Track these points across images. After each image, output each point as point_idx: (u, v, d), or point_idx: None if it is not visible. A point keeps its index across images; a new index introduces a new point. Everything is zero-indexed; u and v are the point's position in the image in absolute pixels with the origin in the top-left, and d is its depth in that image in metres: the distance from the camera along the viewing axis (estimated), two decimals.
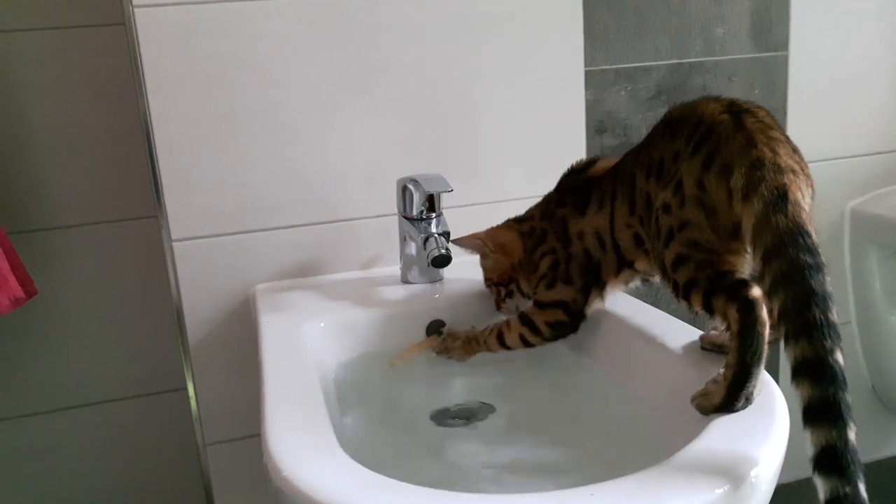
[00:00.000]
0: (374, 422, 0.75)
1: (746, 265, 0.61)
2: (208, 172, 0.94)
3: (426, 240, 0.88)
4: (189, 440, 1.14)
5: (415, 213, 0.90)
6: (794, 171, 0.57)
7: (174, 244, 0.94)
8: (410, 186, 0.90)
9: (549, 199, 0.84)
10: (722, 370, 0.59)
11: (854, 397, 1.48)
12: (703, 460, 0.51)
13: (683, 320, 0.76)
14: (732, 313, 0.58)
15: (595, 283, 0.78)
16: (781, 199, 0.55)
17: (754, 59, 1.13)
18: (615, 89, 1.07)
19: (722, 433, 0.54)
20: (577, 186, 0.80)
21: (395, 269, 0.98)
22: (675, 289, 0.64)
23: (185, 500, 1.25)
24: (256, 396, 0.67)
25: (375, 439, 0.71)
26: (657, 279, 0.71)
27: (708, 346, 0.69)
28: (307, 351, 0.77)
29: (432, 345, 0.85)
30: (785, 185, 0.56)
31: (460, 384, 0.82)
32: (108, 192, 1.12)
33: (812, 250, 0.52)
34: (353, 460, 0.53)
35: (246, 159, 0.95)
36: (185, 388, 1.01)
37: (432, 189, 0.88)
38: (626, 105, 1.09)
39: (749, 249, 0.57)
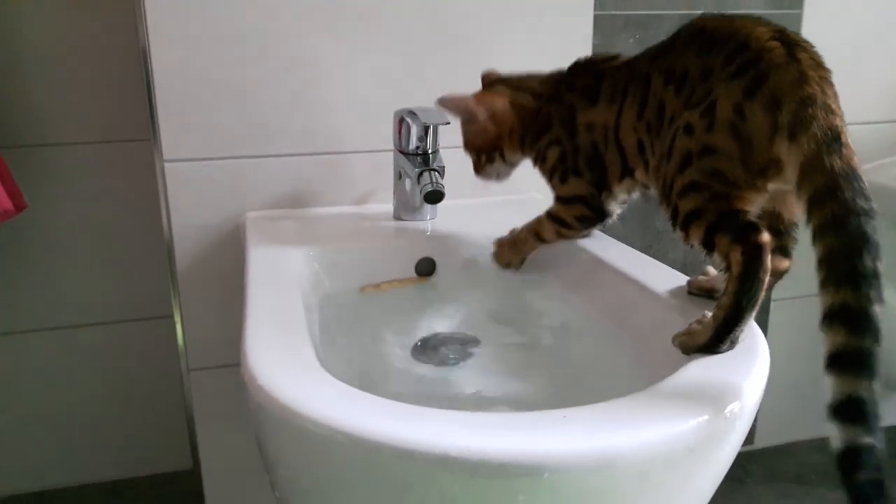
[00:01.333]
0: (354, 352, 0.75)
1: (759, 205, 0.59)
2: (204, 95, 0.92)
3: (420, 174, 0.87)
4: (173, 367, 1.14)
5: (411, 147, 0.89)
6: (841, 117, 0.55)
7: (165, 164, 0.92)
8: (408, 119, 0.88)
9: (558, 80, 0.79)
10: (708, 312, 0.59)
11: None
12: (681, 392, 0.51)
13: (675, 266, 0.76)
14: (736, 256, 0.56)
15: (602, 185, 0.75)
16: (836, 140, 0.52)
17: (767, 16, 1.10)
18: (624, 36, 1.05)
19: (703, 368, 0.54)
20: (590, 73, 0.76)
21: (389, 206, 0.97)
22: (675, 215, 0.62)
23: (167, 425, 1.26)
24: (241, 324, 0.66)
25: (354, 369, 0.71)
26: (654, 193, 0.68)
27: (696, 291, 0.69)
28: (293, 279, 0.76)
29: (411, 284, 0.85)
30: (837, 127, 0.53)
31: (446, 316, 0.81)
32: (104, 113, 1.11)
33: (867, 196, 0.50)
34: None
35: (243, 84, 0.93)
36: (172, 316, 1.01)
37: (429, 121, 0.86)
38: (634, 53, 1.06)
39: (793, 189, 0.54)
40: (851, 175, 0.51)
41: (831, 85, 0.57)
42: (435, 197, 0.85)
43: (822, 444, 1.46)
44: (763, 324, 1.27)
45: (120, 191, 1.14)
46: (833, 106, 0.55)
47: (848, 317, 0.48)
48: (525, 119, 0.79)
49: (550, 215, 0.79)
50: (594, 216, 0.77)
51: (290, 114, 0.95)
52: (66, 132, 1.10)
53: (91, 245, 1.16)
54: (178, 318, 1.00)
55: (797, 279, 1.25)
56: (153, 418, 1.26)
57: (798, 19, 1.13)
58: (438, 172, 0.87)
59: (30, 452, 1.22)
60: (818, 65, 0.58)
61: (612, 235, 0.87)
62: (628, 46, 1.06)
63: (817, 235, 0.51)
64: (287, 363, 0.55)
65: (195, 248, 0.97)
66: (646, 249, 1.16)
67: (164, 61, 0.90)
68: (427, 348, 0.73)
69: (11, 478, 1.23)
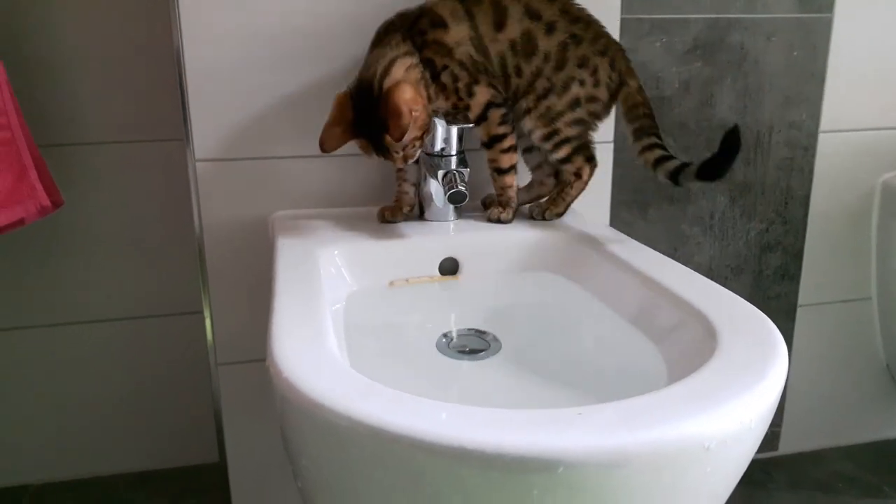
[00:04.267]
0: (378, 346, 0.76)
1: None
2: (236, 96, 0.94)
3: (445, 175, 0.88)
4: (202, 362, 1.16)
5: (436, 149, 0.90)
6: None
7: (197, 164, 0.95)
8: (433, 121, 0.89)
9: (395, 42, 0.86)
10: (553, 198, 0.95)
11: (867, 376, 1.48)
12: (697, 392, 0.51)
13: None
14: (587, 169, 0.93)
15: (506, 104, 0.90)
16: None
17: (796, 20, 1.10)
18: (650, 40, 1.05)
19: (720, 369, 0.55)
20: (408, 19, 0.88)
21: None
22: (552, 135, 0.90)
23: (195, 418, 1.28)
24: (268, 319, 0.68)
25: (378, 362, 0.72)
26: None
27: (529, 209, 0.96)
28: (319, 276, 0.78)
29: (437, 281, 0.87)
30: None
31: (469, 314, 0.82)
32: (139, 113, 1.14)
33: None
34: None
35: (274, 84, 0.95)
36: (202, 312, 1.04)
37: (454, 124, 0.87)
38: (660, 57, 1.07)
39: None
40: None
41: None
42: (458, 198, 0.86)
43: (848, 451, 1.46)
44: (789, 330, 1.27)
45: (153, 189, 1.17)
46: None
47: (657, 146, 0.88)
48: (420, 81, 0.85)
49: (487, 144, 0.91)
50: (508, 109, 0.90)
51: (319, 115, 0.97)
52: (102, 131, 1.13)
53: (124, 242, 1.19)
54: (207, 314, 1.02)
55: (823, 285, 1.25)
56: (182, 411, 1.28)
57: (829, 23, 1.12)
58: (462, 174, 0.88)
59: (63, 442, 1.26)
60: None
61: (637, 238, 0.88)
62: (654, 50, 1.06)
63: (638, 132, 0.90)
64: (311, 357, 0.56)
65: (225, 245, 0.99)
66: (672, 253, 1.17)
67: (197, 62, 0.92)
68: (449, 344, 0.74)
69: (45, 466, 1.26)
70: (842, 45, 1.14)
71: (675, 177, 0.85)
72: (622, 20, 1.03)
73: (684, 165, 0.84)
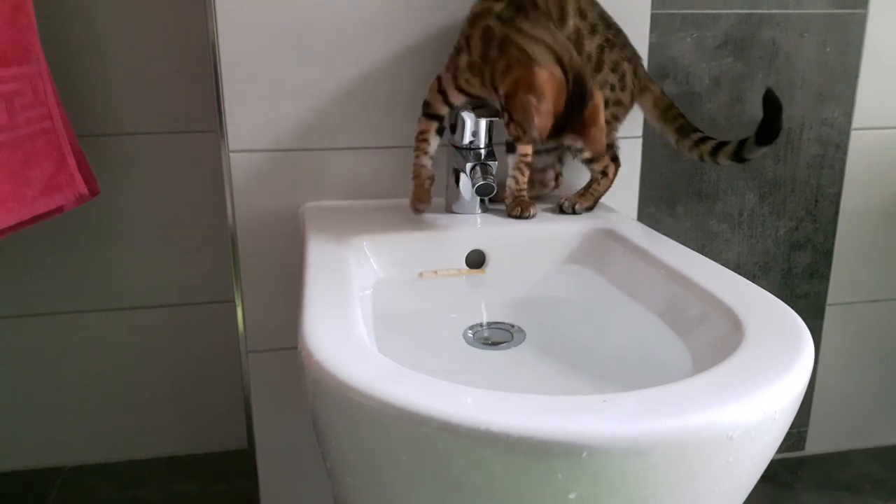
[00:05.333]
0: (405, 336, 0.77)
1: None
2: (270, 88, 0.96)
3: (472, 168, 0.89)
4: (233, 349, 1.19)
5: (464, 142, 0.91)
6: None
7: (231, 155, 0.97)
8: (462, 115, 0.90)
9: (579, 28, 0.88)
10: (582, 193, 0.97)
11: (891, 378, 1.45)
12: (721, 382, 0.52)
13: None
14: (612, 168, 0.97)
15: None
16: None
17: (830, 16, 1.09)
18: (681, 35, 1.05)
19: (745, 361, 0.55)
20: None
21: (441, 199, 1.00)
22: None
23: (225, 404, 1.31)
24: (299, 306, 0.69)
25: (405, 348, 0.73)
26: None
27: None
28: (349, 266, 0.79)
29: (464, 274, 0.88)
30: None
31: (495, 305, 0.83)
32: (175, 105, 1.16)
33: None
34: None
35: (306, 78, 0.96)
36: (233, 300, 1.06)
37: (483, 117, 0.88)
38: (690, 52, 1.07)
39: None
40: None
41: None
42: (486, 190, 0.87)
43: (876, 453, 1.44)
44: (817, 329, 1.26)
45: (187, 179, 1.20)
46: None
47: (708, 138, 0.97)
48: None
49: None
50: None
51: (350, 108, 0.98)
52: (138, 122, 1.16)
53: (159, 231, 1.22)
54: (238, 303, 1.04)
55: (852, 284, 1.24)
56: (212, 398, 1.31)
57: (863, 19, 1.11)
58: (490, 167, 0.89)
59: (96, 426, 1.29)
60: None
61: (665, 234, 0.88)
62: (685, 45, 1.06)
63: (682, 130, 0.98)
64: (341, 341, 0.58)
65: (257, 235, 1.01)
66: (700, 249, 1.16)
67: (232, 55, 0.94)
68: (476, 336, 0.75)
69: (78, 449, 1.30)
70: (876, 42, 1.12)
71: (738, 155, 0.93)
72: (653, 15, 1.03)
73: (741, 142, 0.93)
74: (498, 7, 0.83)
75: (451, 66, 0.88)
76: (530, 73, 0.73)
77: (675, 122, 0.97)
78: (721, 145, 0.94)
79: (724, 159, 0.94)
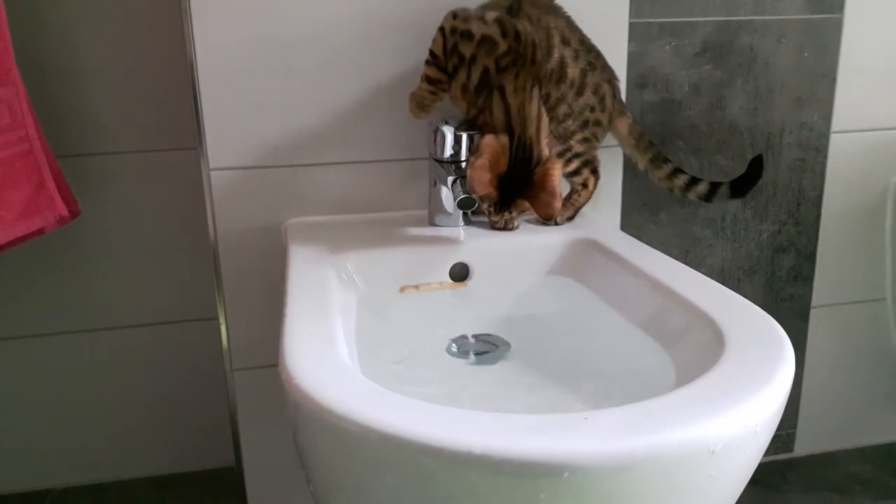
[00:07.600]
0: (388, 353, 0.77)
1: None
2: (249, 105, 0.96)
3: (454, 182, 0.89)
4: (218, 367, 1.18)
5: (445, 155, 0.91)
6: None
7: (211, 173, 0.96)
8: (442, 128, 0.90)
9: (528, 85, 0.84)
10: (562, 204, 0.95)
11: (882, 377, 1.46)
12: (703, 396, 0.52)
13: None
14: (592, 181, 0.98)
15: None
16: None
17: (806, 21, 1.10)
18: (659, 43, 1.06)
19: (726, 373, 0.55)
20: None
21: (424, 213, 1.00)
22: (563, 153, 0.95)
23: (211, 423, 1.30)
24: (280, 331, 0.69)
25: (389, 367, 0.73)
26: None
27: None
28: (331, 283, 0.79)
29: (447, 288, 0.88)
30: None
31: (479, 319, 0.83)
32: (155, 123, 1.15)
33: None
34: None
35: (287, 94, 0.96)
36: (217, 318, 1.05)
37: (462, 130, 0.88)
38: (669, 61, 1.07)
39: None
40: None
41: None
42: (468, 203, 0.87)
43: (864, 453, 1.45)
44: (803, 332, 1.26)
45: (168, 198, 1.19)
46: None
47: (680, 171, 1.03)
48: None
49: None
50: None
51: (331, 123, 0.98)
52: (118, 142, 1.15)
53: (141, 250, 1.21)
54: (222, 320, 1.04)
55: (836, 286, 1.24)
56: (198, 416, 1.30)
57: (839, 23, 1.12)
58: None
59: (83, 447, 1.28)
60: None
61: (649, 241, 0.89)
62: (664, 53, 1.06)
63: (654, 160, 1.03)
64: (322, 364, 0.58)
65: (239, 252, 1.01)
66: (684, 256, 1.17)
67: (210, 73, 0.94)
68: (460, 349, 0.75)
69: (65, 471, 1.28)
70: (852, 46, 1.13)
71: (708, 197, 1.02)
72: (631, 24, 1.03)
73: (714, 185, 1.01)
74: (500, 49, 0.83)
75: (451, 71, 0.89)
76: (480, 139, 0.84)
77: (648, 151, 1.02)
78: (693, 182, 1.02)
79: (693, 197, 1.03)
